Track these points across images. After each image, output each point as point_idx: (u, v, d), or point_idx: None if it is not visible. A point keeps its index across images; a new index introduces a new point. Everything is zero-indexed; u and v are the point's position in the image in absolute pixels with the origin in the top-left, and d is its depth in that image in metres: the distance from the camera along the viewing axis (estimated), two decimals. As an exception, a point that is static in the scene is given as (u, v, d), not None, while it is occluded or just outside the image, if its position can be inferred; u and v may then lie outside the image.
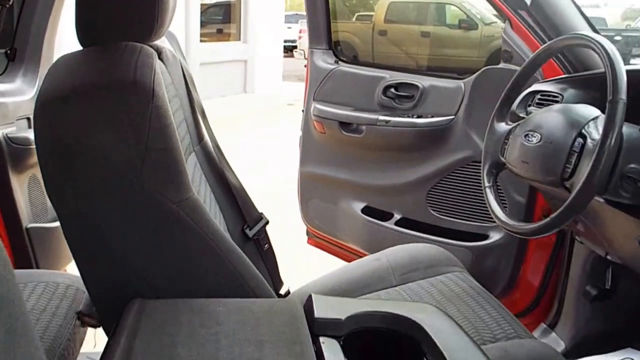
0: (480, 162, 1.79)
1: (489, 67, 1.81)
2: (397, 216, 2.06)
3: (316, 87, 2.22)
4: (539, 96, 1.48)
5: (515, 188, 1.74)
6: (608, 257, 1.45)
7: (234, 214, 1.38)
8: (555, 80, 1.49)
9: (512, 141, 1.25)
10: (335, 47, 2.27)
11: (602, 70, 1.50)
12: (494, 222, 1.80)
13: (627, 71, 1.32)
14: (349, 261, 2.33)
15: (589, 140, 1.09)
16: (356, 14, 4.73)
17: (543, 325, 1.77)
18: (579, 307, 1.68)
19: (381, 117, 1.99)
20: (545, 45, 1.24)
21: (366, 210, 2.15)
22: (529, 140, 1.19)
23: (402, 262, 1.40)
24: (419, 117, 1.94)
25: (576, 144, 1.10)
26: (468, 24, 5.60)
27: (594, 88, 1.42)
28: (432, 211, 1.96)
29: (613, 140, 1.00)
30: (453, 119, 1.86)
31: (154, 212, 0.99)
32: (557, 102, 1.43)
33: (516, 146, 1.23)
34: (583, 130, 1.11)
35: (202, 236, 1.02)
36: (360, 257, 2.24)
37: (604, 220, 1.31)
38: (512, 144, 1.25)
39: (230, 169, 1.43)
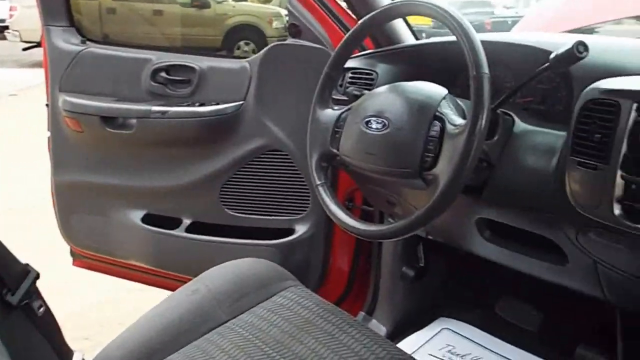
0: (278, 151, 1.63)
1: (276, 43, 1.62)
2: (186, 221, 1.78)
3: (60, 74, 1.78)
4: (350, 74, 1.35)
5: None
6: (429, 236, 1.41)
7: None
8: (363, 56, 1.38)
9: (347, 129, 1.09)
10: (80, 24, 1.85)
11: (412, 43, 1.45)
12: (299, 214, 1.67)
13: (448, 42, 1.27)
14: (133, 280, 1.98)
15: (447, 123, 0.98)
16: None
17: (362, 313, 1.70)
18: (395, 289, 1.65)
19: (155, 108, 1.66)
20: (375, 12, 1.09)
21: (147, 219, 1.82)
22: (371, 127, 1.03)
23: (226, 288, 1.16)
24: (201, 104, 1.67)
25: (433, 128, 0.98)
26: (200, 1, 5.39)
27: (405, 62, 1.34)
28: (228, 210, 1.72)
29: (484, 121, 0.90)
30: (242, 104, 1.64)
31: None
32: (371, 79, 1.31)
33: (354, 135, 1.07)
34: (437, 113, 0.99)
35: None
36: (147, 273, 1.92)
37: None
38: (347, 133, 1.09)
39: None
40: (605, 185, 0.90)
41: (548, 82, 1.16)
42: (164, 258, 1.82)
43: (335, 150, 1.12)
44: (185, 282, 1.21)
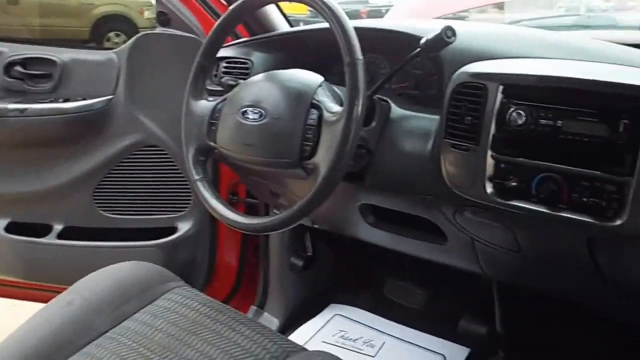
0: (154, 146, 1.56)
1: (144, 33, 1.53)
2: (57, 227, 1.65)
3: None
4: (224, 63, 1.30)
5: None
6: (315, 225, 1.41)
7: None
8: (237, 45, 1.33)
9: (223, 121, 1.04)
10: None
11: (286, 30, 1.42)
12: (181, 211, 1.61)
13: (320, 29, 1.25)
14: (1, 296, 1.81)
15: (325, 111, 0.97)
16: None
17: (253, 308, 1.67)
18: (284, 281, 1.63)
19: (12, 106, 1.51)
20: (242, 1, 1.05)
21: (12, 228, 1.66)
22: (248, 118, 0.99)
23: (104, 295, 1.07)
24: (65, 100, 1.54)
25: (311, 117, 0.96)
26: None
27: (280, 50, 1.31)
28: (103, 212, 1.62)
29: (360, 107, 0.89)
30: (111, 98, 1.53)
31: None
32: (246, 68, 1.27)
33: (231, 126, 1.02)
34: (314, 100, 0.98)
35: None
36: (16, 287, 1.76)
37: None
38: (223, 125, 1.04)
39: None
40: (477, 165, 0.93)
41: (421, 68, 1.19)
42: (35, 269, 1.67)
43: (212, 143, 1.07)
44: (61, 293, 1.11)
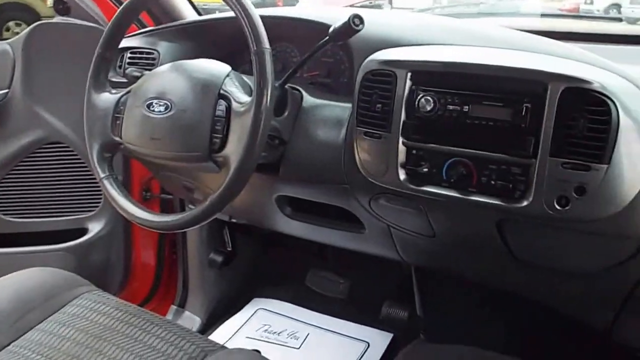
0: (58, 143, 1.47)
1: (41, 22, 1.44)
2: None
3: None
4: (129, 54, 1.23)
5: None
6: (233, 220, 1.38)
7: None
8: (142, 34, 1.27)
9: (128, 114, 0.98)
10: None
11: (193, 19, 1.37)
12: (91, 211, 1.53)
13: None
14: None
15: (233, 101, 0.93)
16: None
17: (174, 307, 1.62)
18: (204, 278, 1.59)
19: None
20: None
21: None
22: (154, 110, 0.94)
23: (5, 306, 1.00)
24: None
25: (219, 108, 0.93)
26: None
27: (188, 39, 1.26)
28: (4, 216, 1.51)
29: (269, 97, 0.86)
30: (6, 93, 1.43)
31: None
32: (152, 59, 1.22)
33: (136, 120, 0.97)
34: (222, 91, 0.94)
35: None
36: None
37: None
38: (128, 119, 0.98)
39: None
40: (389, 152, 0.93)
41: (332, 56, 1.18)
42: None
43: (117, 138, 1.01)
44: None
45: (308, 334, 1.50)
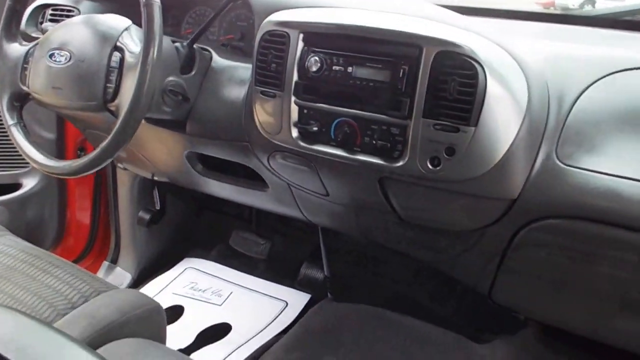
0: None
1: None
2: None
3: None
4: (50, 11, 1.27)
5: (40, 123, 1.52)
6: (155, 178, 1.42)
7: None
8: (64, -8, 1.30)
9: (34, 65, 1.03)
10: None
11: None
12: (25, 167, 1.57)
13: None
14: None
15: (127, 53, 0.97)
16: None
17: (106, 263, 1.67)
18: (135, 236, 1.64)
19: None
20: None
21: None
22: (55, 60, 0.98)
23: None
24: None
25: (113, 59, 0.97)
26: None
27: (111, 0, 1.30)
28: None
29: (156, 50, 0.90)
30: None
31: None
32: (73, 16, 1.25)
33: (41, 70, 1.01)
34: (118, 43, 0.98)
35: None
36: None
37: (148, 141, 1.25)
38: (34, 69, 1.03)
39: None
40: (283, 111, 0.98)
41: (246, 20, 1.21)
42: None
43: (25, 88, 1.05)
44: None
45: (231, 293, 1.56)
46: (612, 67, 0.90)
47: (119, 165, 1.48)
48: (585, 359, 1.19)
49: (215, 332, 1.42)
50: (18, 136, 1.05)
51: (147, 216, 1.57)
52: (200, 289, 1.58)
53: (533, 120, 0.86)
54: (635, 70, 0.90)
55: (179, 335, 1.40)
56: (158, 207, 1.60)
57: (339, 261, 1.43)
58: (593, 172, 0.84)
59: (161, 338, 0.95)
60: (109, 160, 0.96)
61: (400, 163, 0.89)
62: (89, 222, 1.67)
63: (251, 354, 1.33)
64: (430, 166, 0.87)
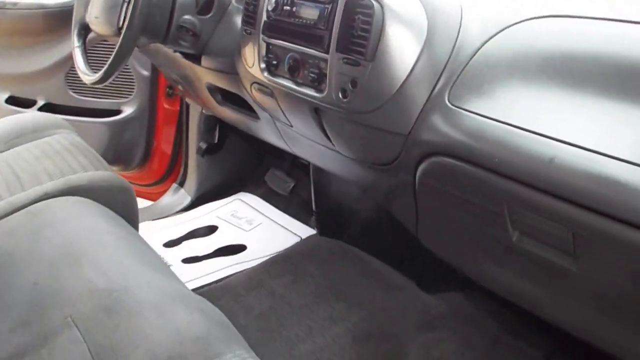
0: (105, 42, 1.91)
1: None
2: (40, 102, 2.06)
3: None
4: None
5: (140, 62, 1.89)
6: (203, 111, 1.70)
7: None
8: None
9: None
10: None
11: None
12: (126, 97, 1.96)
13: None
14: None
15: None
16: None
17: (175, 185, 2.01)
18: (198, 164, 1.94)
19: (8, 0, 1.92)
20: None
21: (11, 100, 2.10)
22: None
23: (7, 130, 1.44)
24: (46, -3, 1.93)
25: None
26: None
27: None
28: (72, 93, 2.00)
29: None
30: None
31: None
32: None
33: (93, 3, 1.33)
34: None
35: None
36: None
37: (189, 76, 1.52)
38: (92, 3, 1.35)
39: None
40: (255, 47, 1.17)
41: None
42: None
43: (86, 19, 1.38)
44: None
45: (260, 223, 1.79)
46: (526, 14, 0.92)
47: (187, 100, 1.79)
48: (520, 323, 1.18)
49: (231, 249, 1.66)
50: (77, 55, 1.39)
51: (204, 146, 1.86)
52: (237, 217, 1.83)
53: (431, 59, 0.91)
54: (546, 19, 0.90)
55: (203, 247, 1.67)
56: (216, 141, 1.88)
57: (324, 198, 1.56)
58: (481, 116, 0.85)
59: (129, 217, 1.18)
60: (115, 74, 1.24)
61: (324, 94, 1.01)
62: (170, 151, 2.02)
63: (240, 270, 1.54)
64: (341, 97, 0.97)
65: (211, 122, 1.87)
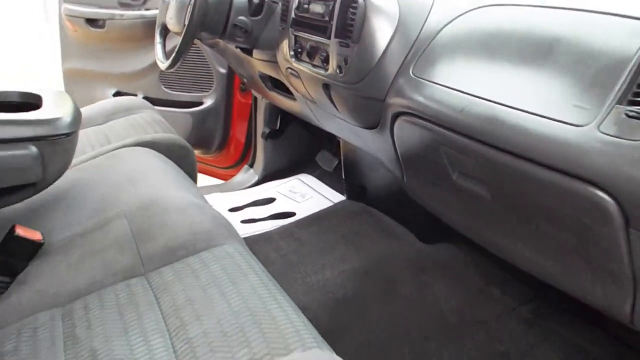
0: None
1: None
2: (140, 95, 2.48)
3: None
4: None
5: (218, 61, 2.25)
6: (263, 100, 2.00)
7: None
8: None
9: (172, 4, 1.69)
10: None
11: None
12: (207, 91, 2.32)
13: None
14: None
15: None
16: None
17: (246, 166, 2.34)
18: (264, 147, 2.26)
19: (117, 12, 2.36)
20: None
21: (117, 95, 2.54)
22: (183, 2, 1.62)
23: (107, 108, 1.84)
24: (147, 9, 2.34)
25: None
26: None
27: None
28: (164, 88, 2.41)
29: None
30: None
31: None
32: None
33: (174, 8, 1.67)
34: None
35: None
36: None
37: (246, 66, 1.83)
38: (172, 7, 1.69)
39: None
40: (286, 39, 1.45)
41: None
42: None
43: (165, 21, 1.74)
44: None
45: (312, 197, 2.06)
46: (479, 3, 1.05)
47: (253, 91, 2.11)
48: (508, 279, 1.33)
49: (283, 215, 1.95)
50: (158, 49, 1.74)
51: (267, 130, 2.17)
52: (293, 192, 2.12)
53: (401, 41, 1.12)
54: (493, 7, 1.05)
55: (260, 212, 1.98)
56: (277, 127, 2.19)
57: (351, 168, 1.80)
58: (432, 82, 1.03)
59: (186, 169, 1.50)
60: (178, 63, 1.57)
61: (328, 72, 1.27)
62: (244, 139, 2.35)
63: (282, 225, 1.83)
64: (338, 72, 1.23)
65: (273, 111, 2.18)
